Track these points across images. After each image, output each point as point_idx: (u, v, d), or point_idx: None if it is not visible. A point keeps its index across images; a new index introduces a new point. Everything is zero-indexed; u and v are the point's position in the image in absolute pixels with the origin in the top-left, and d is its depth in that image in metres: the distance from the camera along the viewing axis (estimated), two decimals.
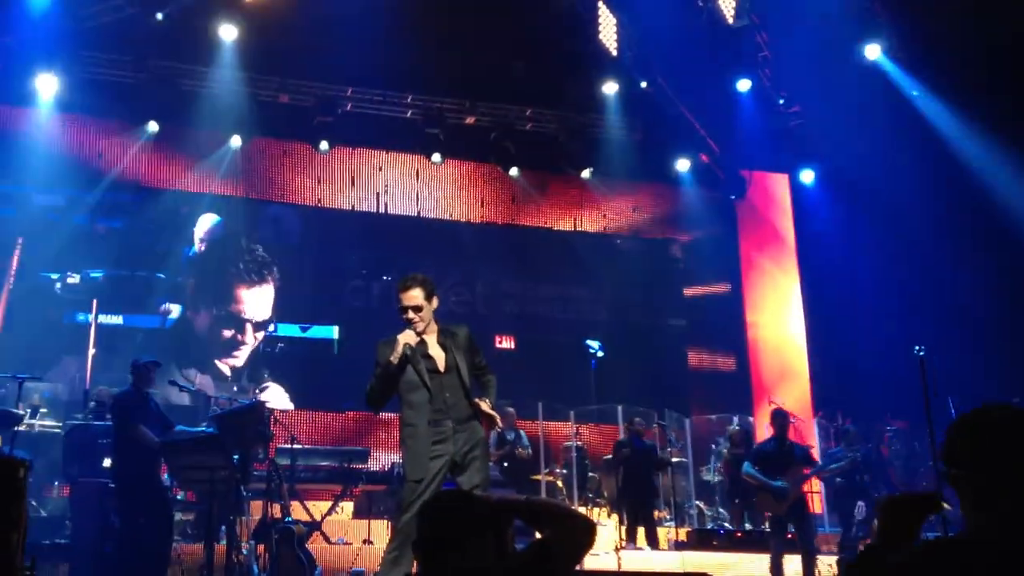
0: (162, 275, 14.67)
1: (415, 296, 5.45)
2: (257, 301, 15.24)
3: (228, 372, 14.87)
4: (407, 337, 5.36)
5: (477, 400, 5.50)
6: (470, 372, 5.55)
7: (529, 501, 2.89)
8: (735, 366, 16.40)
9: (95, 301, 13.30)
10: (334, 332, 15.50)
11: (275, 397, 14.67)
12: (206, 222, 15.20)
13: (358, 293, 15.83)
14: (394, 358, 5.33)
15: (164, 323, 14.69)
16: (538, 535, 2.78)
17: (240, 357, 15.00)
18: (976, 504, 2.05)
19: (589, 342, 11.93)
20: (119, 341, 13.59)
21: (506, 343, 16.26)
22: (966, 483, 2.08)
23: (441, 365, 5.48)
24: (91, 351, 12.31)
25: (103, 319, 13.39)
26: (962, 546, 1.98)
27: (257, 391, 14.72)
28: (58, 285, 14.09)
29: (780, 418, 9.49)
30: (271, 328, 15.20)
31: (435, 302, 5.56)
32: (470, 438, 5.44)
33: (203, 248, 15.12)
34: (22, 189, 14.07)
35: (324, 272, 15.74)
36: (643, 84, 14.96)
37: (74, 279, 14.15)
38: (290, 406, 14.80)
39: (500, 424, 5.59)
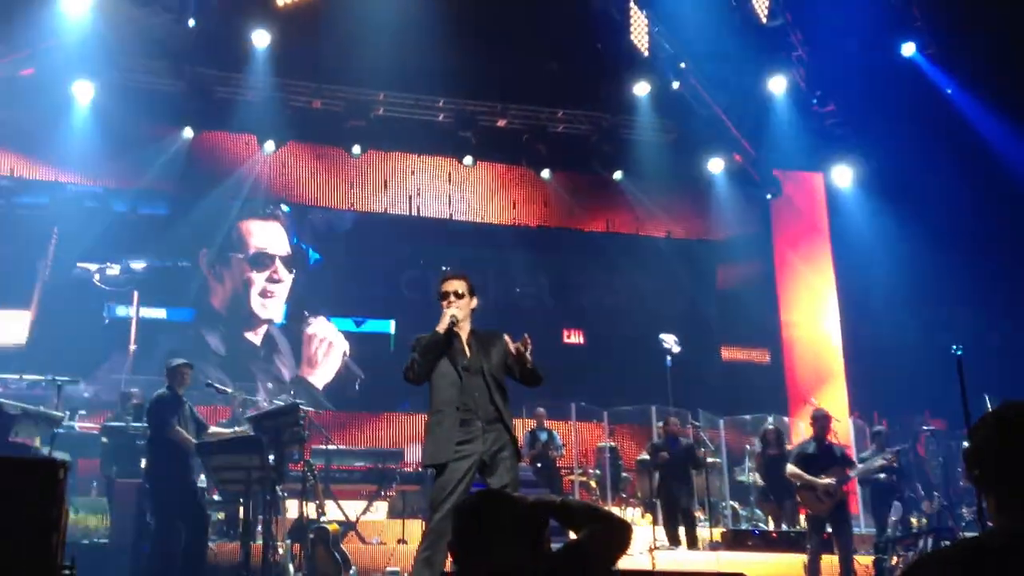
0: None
1: (458, 284, 5.54)
2: (273, 236, 14.75)
3: (258, 342, 14.41)
4: (452, 309, 5.41)
5: (506, 338, 5.47)
6: (498, 376, 5.53)
7: (564, 502, 2.89)
8: (770, 366, 16.28)
9: (136, 293, 13.09)
10: (390, 326, 15.10)
11: (323, 329, 14.20)
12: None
13: (415, 284, 15.33)
14: (441, 328, 5.36)
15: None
16: (573, 536, 2.78)
17: (277, 299, 14.46)
18: (1001, 507, 1.99)
19: (663, 336, 11.33)
20: (161, 336, 13.30)
21: (575, 338, 16.15)
22: (989, 484, 2.02)
23: (470, 364, 5.50)
24: (132, 347, 12.15)
25: (144, 313, 13.13)
26: (986, 549, 1.91)
27: (305, 326, 14.40)
28: (96, 277, 13.64)
29: (820, 419, 9.43)
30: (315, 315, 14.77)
31: (475, 302, 5.60)
32: (498, 438, 5.43)
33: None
34: (56, 178, 13.76)
35: (378, 263, 15.38)
36: (675, 84, 14.88)
37: (114, 270, 13.72)
38: (340, 337, 14.52)
39: (529, 346, 5.44)
